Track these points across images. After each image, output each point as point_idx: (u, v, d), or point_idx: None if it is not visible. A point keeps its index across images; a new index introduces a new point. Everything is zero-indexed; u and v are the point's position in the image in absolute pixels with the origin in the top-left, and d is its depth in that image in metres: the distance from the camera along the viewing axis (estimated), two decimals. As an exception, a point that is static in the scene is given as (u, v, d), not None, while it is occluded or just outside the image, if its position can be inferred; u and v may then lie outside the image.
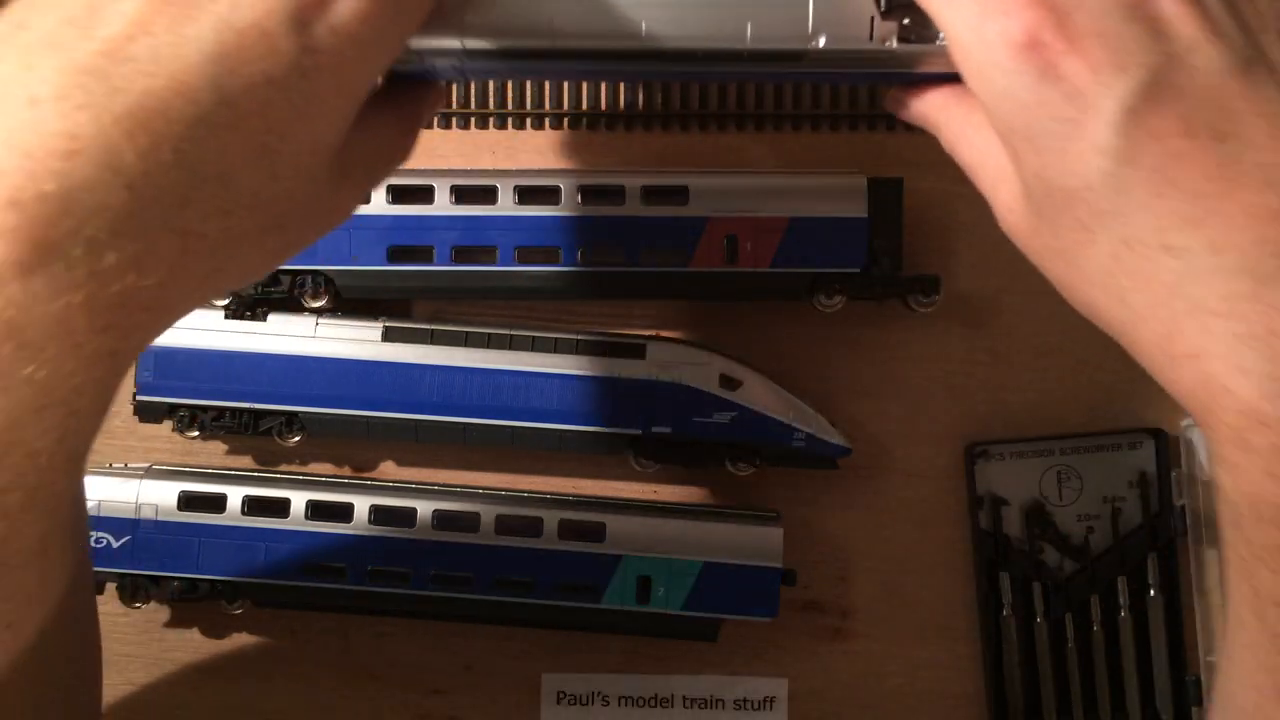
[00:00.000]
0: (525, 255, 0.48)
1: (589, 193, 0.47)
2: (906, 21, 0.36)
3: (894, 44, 0.37)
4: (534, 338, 0.49)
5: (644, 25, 0.37)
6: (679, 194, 0.47)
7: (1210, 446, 0.31)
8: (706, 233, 0.47)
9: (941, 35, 0.36)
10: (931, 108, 0.38)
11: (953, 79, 0.36)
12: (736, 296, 0.48)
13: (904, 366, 0.52)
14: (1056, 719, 0.51)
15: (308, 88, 0.30)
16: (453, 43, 0.36)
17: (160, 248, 0.29)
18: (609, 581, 0.48)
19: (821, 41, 0.37)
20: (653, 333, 0.50)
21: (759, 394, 0.48)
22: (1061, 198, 0.32)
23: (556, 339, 0.49)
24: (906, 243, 0.48)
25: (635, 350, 0.48)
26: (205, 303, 0.36)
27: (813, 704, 0.52)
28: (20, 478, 0.29)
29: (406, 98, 0.39)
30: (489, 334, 0.49)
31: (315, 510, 0.48)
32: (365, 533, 0.48)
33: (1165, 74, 0.30)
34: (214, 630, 0.51)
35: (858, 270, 0.47)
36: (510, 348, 0.48)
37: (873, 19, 0.37)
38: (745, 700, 0.52)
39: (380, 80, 0.37)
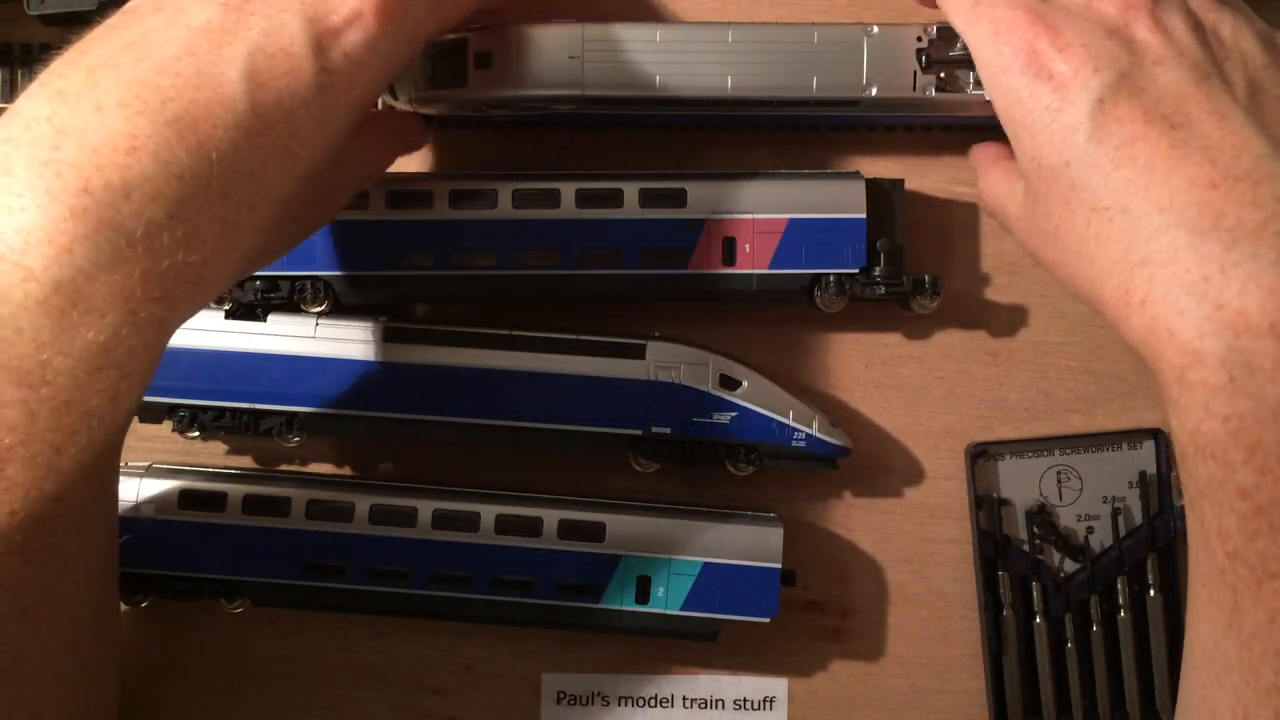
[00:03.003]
0: (524, 259, 0.48)
1: (587, 196, 0.47)
2: (942, 75, 0.46)
3: (933, 92, 0.47)
4: (534, 338, 0.49)
5: (729, 80, 0.46)
6: (677, 197, 0.47)
7: (1160, 389, 0.36)
8: (705, 235, 0.47)
9: (970, 83, 0.47)
10: (978, 159, 0.47)
11: (982, 123, 0.46)
12: (735, 298, 0.48)
13: (904, 366, 0.52)
14: (1056, 719, 0.51)
15: (324, 101, 0.36)
16: (575, 91, 0.46)
17: (204, 231, 0.34)
18: (609, 581, 0.48)
19: (874, 91, 0.46)
20: (653, 333, 0.50)
21: (759, 394, 0.48)
22: (1050, 176, 0.38)
23: (556, 339, 0.49)
24: (906, 243, 0.48)
25: (635, 350, 0.48)
26: (233, 282, 0.40)
27: (813, 704, 0.52)
28: (74, 436, 0.33)
29: (396, 122, 0.47)
30: (489, 334, 0.49)
31: (315, 509, 0.48)
32: (365, 532, 0.48)
33: (1132, 76, 0.37)
34: (214, 630, 0.51)
35: (857, 271, 0.47)
36: (510, 348, 0.48)
37: (915, 73, 0.46)
38: (745, 700, 0.52)
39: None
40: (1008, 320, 0.52)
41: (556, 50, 0.45)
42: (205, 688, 0.52)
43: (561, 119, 0.49)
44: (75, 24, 0.49)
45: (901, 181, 0.48)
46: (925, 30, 0.46)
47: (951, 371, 0.52)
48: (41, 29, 0.50)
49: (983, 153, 0.47)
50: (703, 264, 0.47)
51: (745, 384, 0.49)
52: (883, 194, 0.48)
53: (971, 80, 0.46)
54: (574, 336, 0.49)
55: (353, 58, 0.36)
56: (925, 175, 0.51)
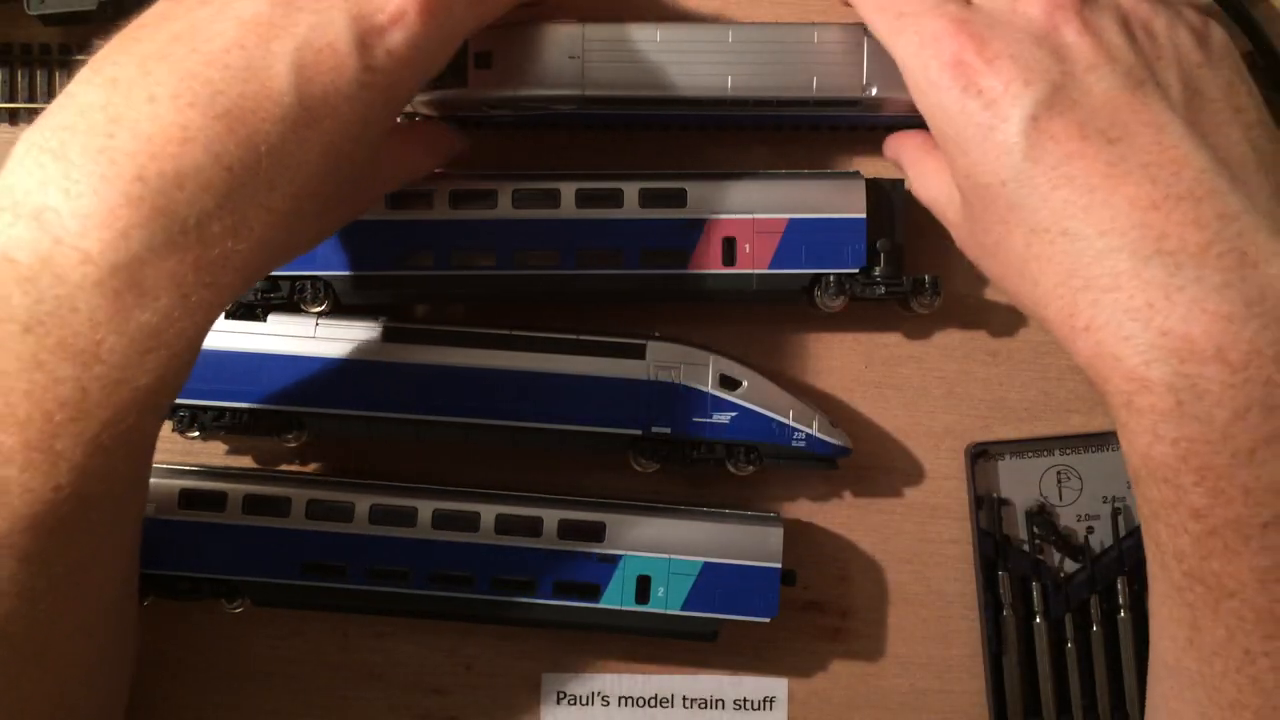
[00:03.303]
0: (524, 259, 0.48)
1: (587, 196, 0.47)
2: None
3: None
4: (534, 338, 0.49)
5: (730, 80, 0.46)
6: (677, 197, 0.47)
7: (1109, 412, 0.36)
8: (705, 235, 0.47)
9: None
10: (904, 157, 0.47)
11: None
12: (735, 298, 0.48)
13: (904, 366, 0.52)
14: (1056, 719, 0.51)
15: (367, 97, 0.37)
16: (576, 91, 0.45)
17: (250, 220, 0.35)
18: (608, 581, 0.48)
19: (874, 91, 0.46)
20: (653, 333, 0.50)
21: (759, 394, 0.48)
22: (986, 194, 0.37)
23: (556, 339, 0.49)
24: (906, 243, 0.48)
25: (635, 350, 0.48)
26: (274, 269, 0.41)
27: (813, 704, 0.52)
28: (123, 414, 0.34)
29: (436, 129, 0.48)
30: (489, 334, 0.49)
31: (315, 509, 0.48)
32: (365, 532, 0.48)
33: (1064, 88, 0.36)
34: (214, 630, 0.51)
35: (857, 271, 0.47)
36: (510, 348, 0.48)
37: None
38: (745, 700, 0.52)
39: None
40: (1008, 320, 0.52)
41: (557, 50, 0.45)
42: (206, 687, 0.52)
43: (561, 119, 0.49)
44: (75, 24, 0.50)
45: (902, 181, 0.48)
46: None
47: (951, 371, 0.52)
48: (41, 29, 0.50)
49: (905, 145, 0.46)
50: (702, 264, 0.47)
51: (745, 384, 0.49)
52: (883, 194, 0.48)
53: None
54: (574, 336, 0.49)
55: (395, 56, 0.37)
56: (925, 175, 0.51)
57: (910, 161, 0.46)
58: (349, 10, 0.36)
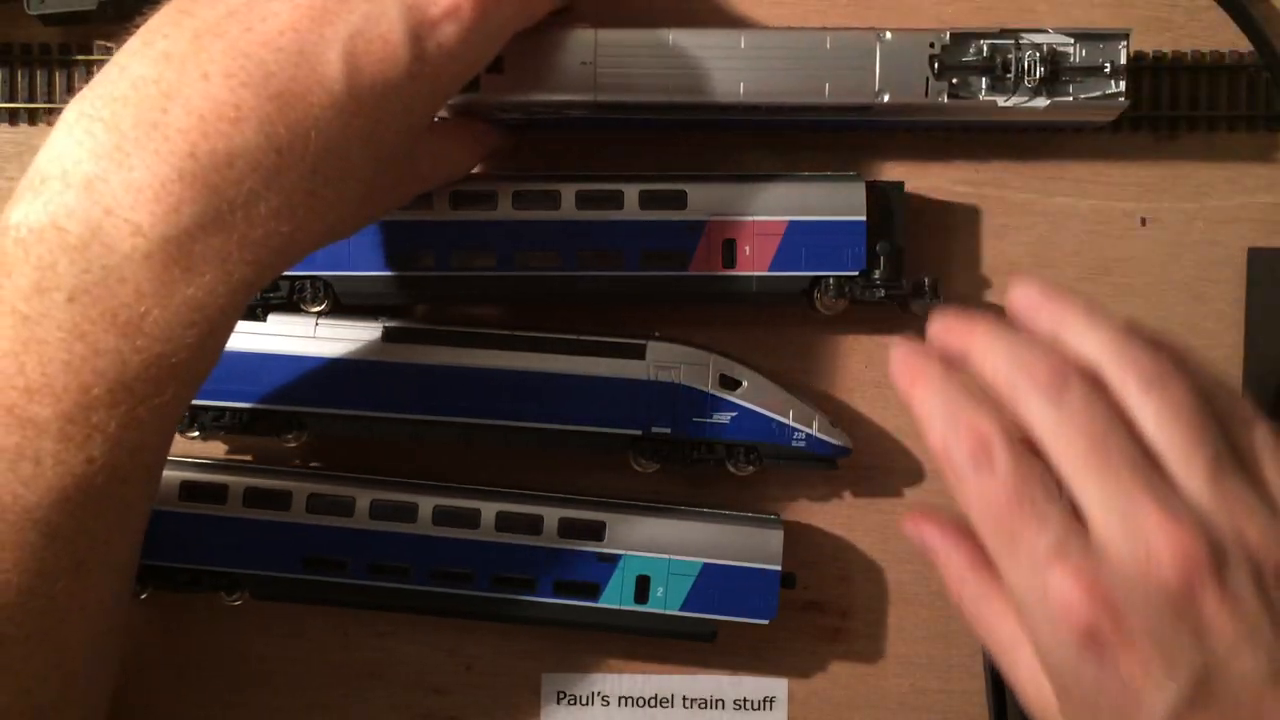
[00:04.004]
0: (524, 260, 0.48)
1: (587, 197, 0.47)
2: (954, 81, 0.46)
3: (944, 99, 0.46)
4: (534, 338, 0.49)
5: (742, 86, 0.46)
6: (677, 198, 0.47)
7: None
8: (705, 236, 0.47)
9: (982, 90, 0.46)
10: (953, 579, 0.39)
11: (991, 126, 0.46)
12: (735, 300, 0.48)
13: (904, 367, 0.52)
14: (1056, 719, 0.51)
15: (414, 89, 0.37)
16: (588, 97, 0.45)
17: (295, 203, 0.35)
18: (608, 581, 0.48)
19: (886, 97, 0.46)
20: (653, 333, 0.50)
21: (759, 394, 0.48)
22: None
23: (556, 339, 0.49)
24: (906, 245, 0.48)
25: (635, 350, 0.48)
26: (310, 254, 0.40)
27: (813, 704, 0.52)
28: (160, 388, 0.34)
29: (481, 126, 0.47)
30: (489, 334, 0.49)
31: (316, 503, 0.48)
32: (366, 527, 0.48)
33: (1208, 679, 0.31)
34: (214, 628, 0.51)
35: (857, 274, 0.47)
36: (510, 348, 0.48)
37: (927, 79, 0.46)
38: (745, 700, 0.52)
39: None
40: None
41: (569, 55, 0.45)
42: (206, 686, 0.52)
43: (572, 123, 0.49)
44: (75, 24, 0.50)
45: (901, 184, 0.48)
46: (938, 36, 0.46)
47: (951, 372, 0.52)
48: (41, 29, 0.50)
49: (982, 613, 0.38)
50: (703, 266, 0.47)
51: (745, 384, 0.49)
52: (883, 196, 0.48)
53: (984, 86, 0.46)
54: (574, 336, 0.49)
55: (445, 50, 0.37)
56: (925, 177, 0.51)
57: (963, 594, 0.39)
58: (404, 1, 0.36)
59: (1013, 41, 0.46)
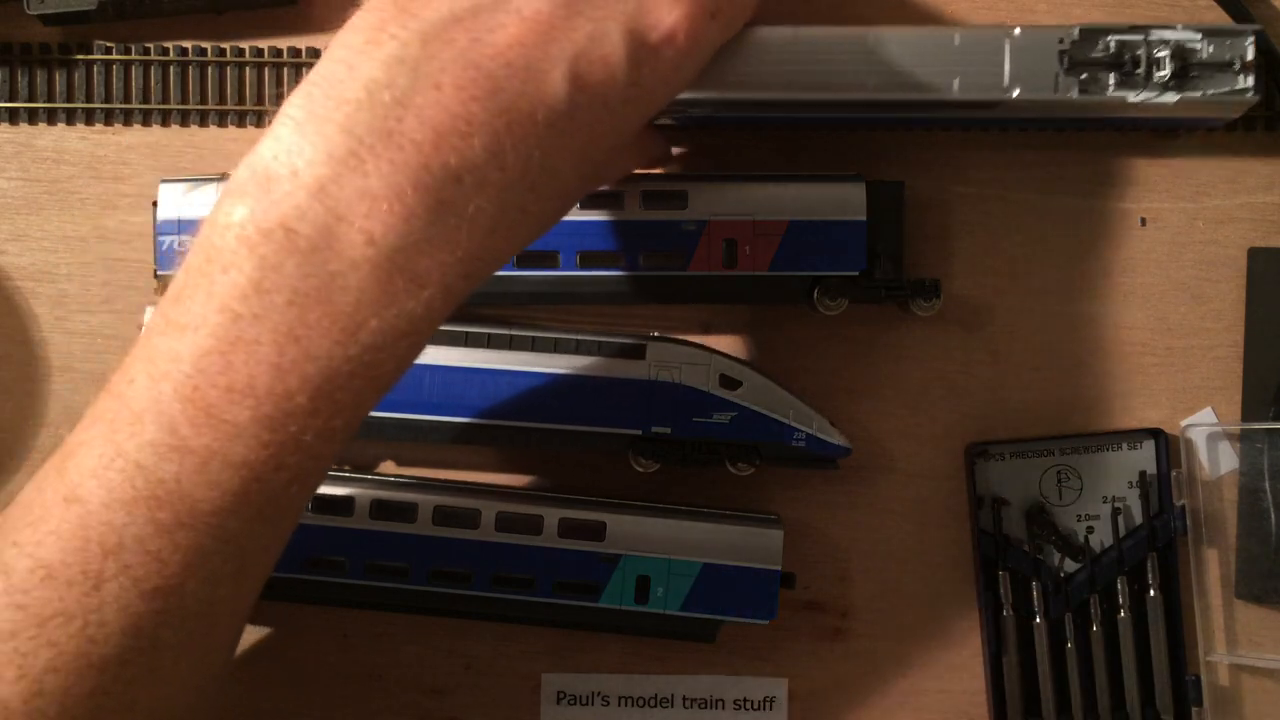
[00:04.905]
0: (525, 260, 0.48)
1: (588, 197, 0.47)
2: (1084, 77, 0.46)
3: (1075, 94, 0.46)
4: (534, 338, 0.49)
5: (870, 81, 0.45)
6: (677, 198, 0.47)
7: None
8: (705, 236, 0.47)
9: (1111, 85, 0.46)
10: None
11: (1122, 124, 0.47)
12: (736, 299, 0.48)
13: (904, 366, 0.52)
14: (1056, 719, 0.51)
15: (625, 112, 0.37)
16: (716, 95, 0.45)
17: (510, 217, 0.35)
18: (607, 581, 0.48)
19: (1016, 93, 0.46)
20: (653, 333, 0.50)
21: (759, 394, 0.48)
22: None
23: (556, 339, 0.49)
24: (906, 245, 0.48)
25: (635, 350, 0.48)
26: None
27: (813, 704, 0.52)
28: (361, 398, 0.34)
29: (647, 130, 0.46)
30: (489, 334, 0.49)
31: (315, 503, 0.48)
32: (365, 527, 0.48)
33: None
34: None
35: (858, 274, 0.47)
36: (510, 348, 0.48)
37: (1057, 75, 0.46)
38: (745, 700, 0.52)
39: None
40: (1008, 320, 0.52)
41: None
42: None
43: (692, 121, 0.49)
44: (75, 24, 0.50)
45: (902, 184, 0.48)
46: (1066, 32, 0.46)
47: (951, 372, 0.52)
48: (41, 29, 0.50)
49: None
50: (703, 266, 0.47)
51: (745, 384, 0.49)
52: (883, 196, 0.48)
53: (1113, 82, 0.46)
54: (574, 336, 0.49)
55: (659, 74, 0.37)
56: (926, 177, 0.51)
57: None
58: (626, 25, 0.36)
59: (1141, 37, 0.46)
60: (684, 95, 0.43)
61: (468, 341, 0.48)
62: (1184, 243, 0.52)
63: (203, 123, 0.52)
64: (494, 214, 0.34)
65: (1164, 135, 0.51)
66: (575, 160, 0.36)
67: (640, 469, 0.49)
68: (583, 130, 0.36)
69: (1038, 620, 0.51)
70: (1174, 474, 0.51)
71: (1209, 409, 0.51)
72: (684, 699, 0.52)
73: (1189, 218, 0.52)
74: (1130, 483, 0.51)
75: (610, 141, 0.37)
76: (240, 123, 0.51)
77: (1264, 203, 0.51)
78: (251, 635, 0.52)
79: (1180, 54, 0.46)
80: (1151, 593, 0.51)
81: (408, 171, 0.33)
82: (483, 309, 0.51)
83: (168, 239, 0.48)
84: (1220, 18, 0.50)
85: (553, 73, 0.34)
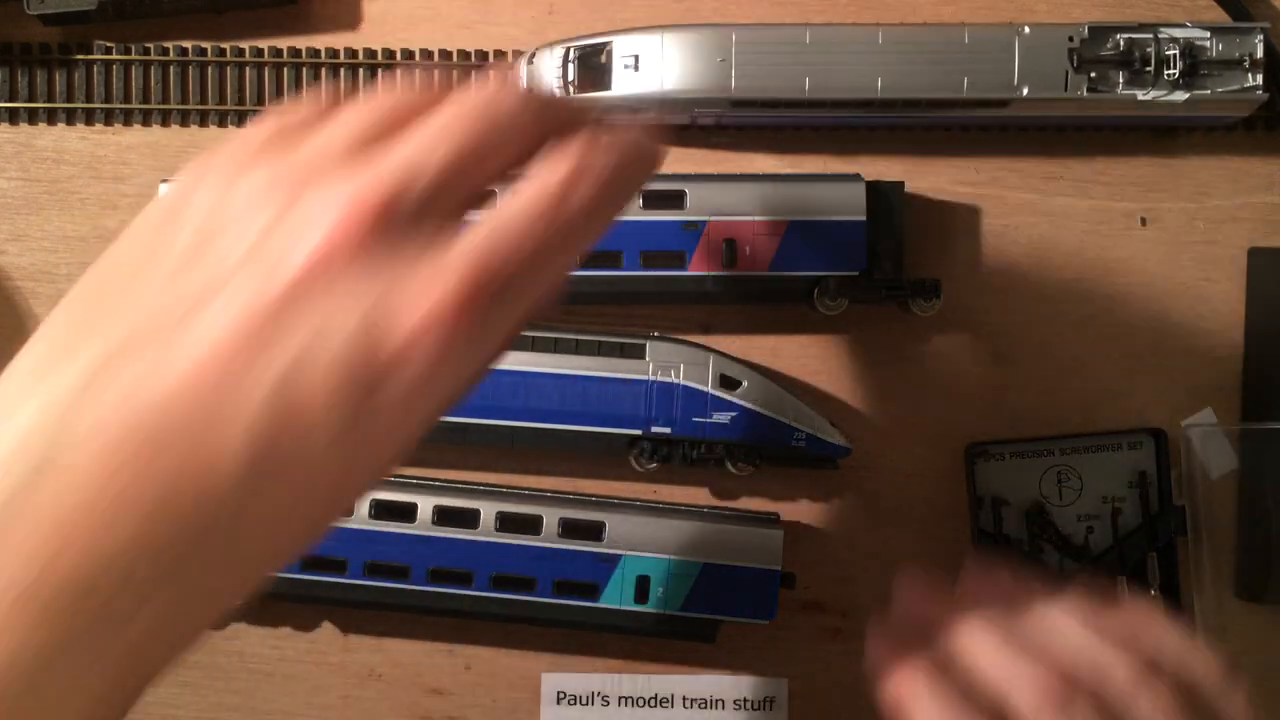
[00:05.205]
0: None
1: None
2: (1094, 75, 0.46)
3: (1084, 93, 0.46)
4: (534, 338, 0.49)
5: (879, 81, 0.46)
6: (677, 198, 0.47)
7: None
8: (705, 236, 0.47)
9: (1120, 83, 0.46)
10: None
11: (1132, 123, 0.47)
12: (736, 299, 0.48)
13: (904, 366, 0.52)
14: (1056, 719, 0.51)
15: (335, 474, 0.29)
16: (724, 94, 0.46)
17: (207, 587, 0.29)
18: (607, 581, 0.48)
19: (1025, 91, 0.46)
20: (653, 333, 0.50)
21: (759, 394, 0.48)
22: None
23: (556, 339, 0.49)
24: (906, 245, 0.48)
25: (635, 350, 0.48)
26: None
27: (813, 704, 0.52)
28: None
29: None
30: (489, 334, 0.49)
31: None
32: (365, 527, 0.48)
33: None
34: (214, 628, 0.51)
35: (858, 274, 0.47)
36: (510, 347, 0.48)
37: (1067, 73, 0.46)
38: (745, 700, 0.52)
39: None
40: (1008, 320, 0.52)
41: (706, 53, 0.45)
42: (206, 687, 0.52)
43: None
44: (75, 24, 0.50)
45: (902, 184, 0.48)
46: (1076, 30, 0.46)
47: (951, 371, 0.52)
48: (41, 29, 0.50)
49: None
50: (703, 266, 0.47)
51: (745, 384, 0.48)
52: (883, 196, 0.48)
53: (1123, 80, 0.46)
54: (574, 336, 0.49)
55: (394, 404, 0.28)
56: (925, 177, 0.51)
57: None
58: (344, 338, 0.27)
59: (1151, 35, 0.46)
60: (686, 96, 0.43)
61: (468, 341, 0.48)
62: (1184, 243, 0.52)
63: (203, 123, 0.52)
64: (171, 594, 0.27)
65: (1164, 135, 0.51)
66: (279, 520, 0.28)
67: (640, 469, 0.49)
68: (281, 489, 0.27)
69: (1038, 620, 0.51)
70: (1174, 474, 0.51)
71: (1209, 409, 0.51)
72: (684, 699, 0.52)
73: (1189, 218, 0.52)
74: (1130, 483, 0.51)
75: (332, 495, 0.29)
76: (240, 123, 0.51)
77: (1264, 203, 0.51)
78: (252, 635, 0.52)
79: (1189, 52, 0.46)
80: (1151, 593, 0.51)
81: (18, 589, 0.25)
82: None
83: (168, 239, 0.48)
84: (1220, 17, 0.50)
85: (240, 414, 0.26)
